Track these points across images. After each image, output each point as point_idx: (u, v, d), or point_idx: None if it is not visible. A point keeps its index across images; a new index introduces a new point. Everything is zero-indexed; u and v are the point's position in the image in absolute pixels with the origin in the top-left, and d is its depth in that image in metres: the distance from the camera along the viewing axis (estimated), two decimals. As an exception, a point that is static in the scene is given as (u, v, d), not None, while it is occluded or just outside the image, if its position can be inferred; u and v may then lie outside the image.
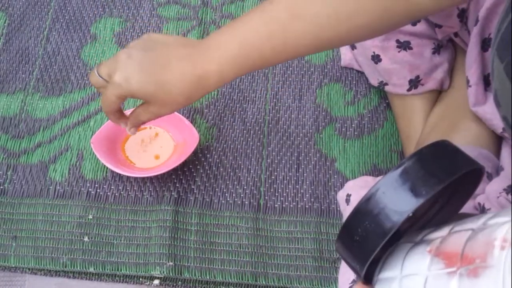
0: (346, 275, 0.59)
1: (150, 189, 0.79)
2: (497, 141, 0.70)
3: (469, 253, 0.32)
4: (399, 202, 0.35)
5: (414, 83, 0.76)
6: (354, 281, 0.56)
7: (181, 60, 0.54)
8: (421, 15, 0.55)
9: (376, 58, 0.76)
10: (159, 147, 0.80)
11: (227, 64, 0.54)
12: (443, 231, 0.36)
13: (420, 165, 0.35)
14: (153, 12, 0.95)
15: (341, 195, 0.73)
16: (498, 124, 0.65)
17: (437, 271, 0.33)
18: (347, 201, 0.70)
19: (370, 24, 0.52)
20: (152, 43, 0.57)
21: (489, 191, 0.61)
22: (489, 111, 0.66)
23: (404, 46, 0.73)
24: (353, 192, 0.70)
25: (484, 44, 0.65)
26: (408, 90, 0.77)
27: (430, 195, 0.34)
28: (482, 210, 0.60)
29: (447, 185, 0.35)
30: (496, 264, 0.30)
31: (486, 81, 0.66)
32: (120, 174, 0.78)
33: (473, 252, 0.32)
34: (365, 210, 0.36)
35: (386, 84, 0.79)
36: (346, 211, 0.70)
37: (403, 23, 0.55)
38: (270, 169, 0.81)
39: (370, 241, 0.35)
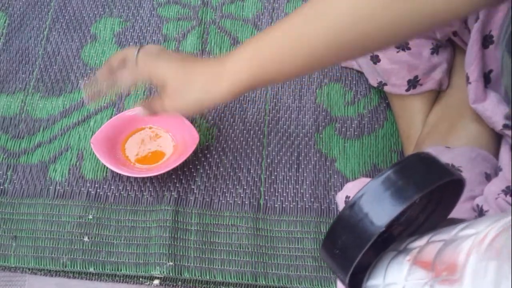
0: None
1: (150, 189, 0.79)
2: (496, 141, 0.70)
3: (438, 265, 0.32)
4: (378, 211, 0.35)
5: (413, 83, 0.76)
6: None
7: (206, 65, 0.58)
8: (447, 18, 0.51)
9: (375, 59, 0.76)
10: (159, 147, 0.80)
11: (242, 67, 0.55)
12: (422, 241, 0.36)
13: (400, 175, 0.36)
14: (153, 12, 0.95)
15: (340, 197, 0.73)
16: (498, 121, 0.65)
17: (414, 280, 0.33)
18: (346, 203, 0.70)
19: (393, 25, 0.50)
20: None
21: (487, 192, 0.61)
22: (489, 108, 0.66)
23: (402, 46, 0.73)
24: (351, 194, 0.70)
25: (485, 41, 0.65)
26: (407, 90, 0.77)
27: (406, 205, 0.35)
28: (480, 212, 0.60)
29: (426, 194, 0.35)
30: (460, 278, 0.30)
31: (486, 78, 0.66)
32: (120, 174, 0.78)
33: (441, 263, 0.32)
34: (347, 218, 0.36)
35: (385, 84, 0.79)
36: None
37: (428, 27, 0.53)
38: (270, 169, 0.81)
39: (349, 252, 0.36)
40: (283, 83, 0.88)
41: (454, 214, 0.50)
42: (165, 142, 0.80)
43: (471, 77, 0.66)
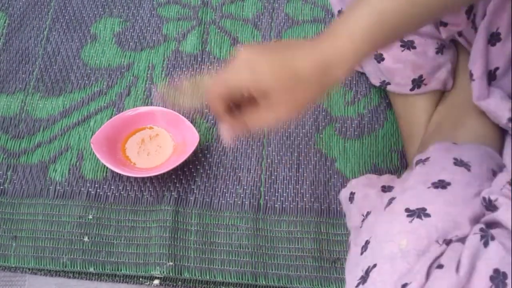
0: (353, 273, 0.59)
1: (150, 189, 0.79)
2: (501, 140, 0.70)
3: None
4: None
5: (417, 82, 0.76)
6: (362, 278, 0.55)
7: (306, 47, 0.49)
8: None
9: (379, 57, 0.75)
10: (159, 147, 0.80)
11: (360, 34, 0.47)
12: None
13: None
14: (153, 12, 0.95)
15: (344, 194, 0.72)
16: (502, 116, 0.65)
17: None
18: (351, 199, 0.70)
19: None
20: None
21: (493, 185, 0.61)
22: (493, 104, 0.66)
23: (407, 45, 0.73)
24: (357, 190, 0.70)
25: (492, 38, 0.65)
26: (411, 89, 0.77)
27: None
28: (489, 203, 0.60)
29: None
30: None
31: (489, 76, 0.66)
32: (120, 174, 0.78)
33: None
34: None
35: (389, 83, 0.79)
36: (350, 209, 0.70)
37: None
38: (270, 169, 0.81)
39: None
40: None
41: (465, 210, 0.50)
42: (165, 142, 0.80)
43: (475, 74, 0.66)
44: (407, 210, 0.55)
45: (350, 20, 0.48)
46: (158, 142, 0.80)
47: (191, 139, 0.78)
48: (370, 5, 0.48)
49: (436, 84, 0.76)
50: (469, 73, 0.67)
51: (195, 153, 0.81)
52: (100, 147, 0.77)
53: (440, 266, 0.50)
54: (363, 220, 0.64)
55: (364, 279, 0.54)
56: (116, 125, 0.80)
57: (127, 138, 0.80)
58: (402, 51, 0.73)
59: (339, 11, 0.79)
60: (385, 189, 0.66)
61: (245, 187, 0.80)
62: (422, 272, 0.50)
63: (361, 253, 0.58)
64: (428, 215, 0.54)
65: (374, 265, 0.54)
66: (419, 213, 0.54)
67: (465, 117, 0.72)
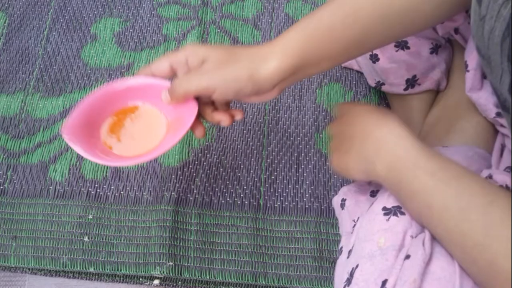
0: (340, 275, 0.59)
1: (150, 189, 0.79)
2: (493, 141, 0.70)
3: None
4: None
5: (411, 82, 0.76)
6: (347, 280, 0.56)
7: (254, 47, 0.56)
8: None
9: (374, 57, 0.76)
10: (148, 128, 0.63)
11: (290, 44, 0.54)
12: None
13: None
14: (153, 12, 0.95)
15: (336, 200, 0.73)
16: (491, 110, 0.65)
17: None
18: (342, 205, 0.70)
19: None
20: None
21: None
22: (484, 96, 0.66)
23: (401, 45, 0.73)
24: (347, 197, 0.70)
25: None
26: (405, 89, 0.77)
27: None
28: None
29: None
30: None
31: None
32: (120, 174, 0.78)
33: None
34: None
35: (383, 84, 0.79)
36: (341, 216, 0.70)
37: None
38: (270, 169, 0.81)
39: None
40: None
41: None
42: (157, 121, 0.63)
43: (470, 65, 0.66)
44: (384, 208, 0.57)
45: (285, 40, 0.55)
46: (148, 122, 0.64)
47: (187, 110, 0.59)
48: (296, 31, 0.55)
49: (429, 84, 0.76)
50: (464, 63, 0.67)
51: (195, 153, 0.81)
52: (76, 138, 0.59)
53: (408, 257, 0.52)
54: (354, 226, 0.65)
55: (349, 281, 0.55)
56: (93, 104, 0.62)
57: (109, 120, 0.63)
58: (396, 51, 0.73)
59: None
60: (374, 193, 0.67)
61: (245, 187, 0.80)
62: (398, 266, 0.52)
63: (348, 257, 0.59)
64: (403, 213, 0.55)
65: (357, 266, 0.55)
66: (394, 210, 0.56)
67: (458, 119, 0.72)
